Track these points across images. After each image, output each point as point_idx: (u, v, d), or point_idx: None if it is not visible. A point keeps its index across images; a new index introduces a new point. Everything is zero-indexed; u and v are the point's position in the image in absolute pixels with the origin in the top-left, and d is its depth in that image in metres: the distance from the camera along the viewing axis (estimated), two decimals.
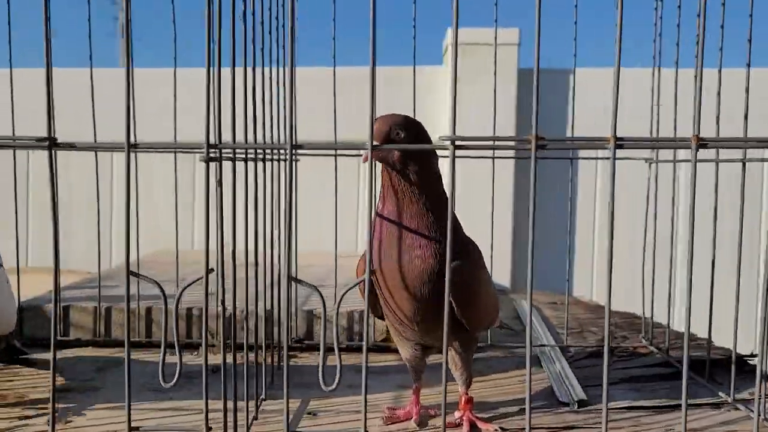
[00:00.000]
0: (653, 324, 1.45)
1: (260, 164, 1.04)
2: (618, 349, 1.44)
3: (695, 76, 0.82)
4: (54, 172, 0.70)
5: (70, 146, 0.70)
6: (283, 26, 1.16)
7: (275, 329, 1.24)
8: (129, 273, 0.69)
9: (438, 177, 0.96)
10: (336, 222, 1.44)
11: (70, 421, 1.03)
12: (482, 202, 1.37)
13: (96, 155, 1.41)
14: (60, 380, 1.20)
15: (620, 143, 0.74)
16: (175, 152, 1.31)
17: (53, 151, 0.68)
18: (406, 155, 0.92)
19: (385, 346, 1.39)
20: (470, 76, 2.24)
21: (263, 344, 1.12)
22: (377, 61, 0.71)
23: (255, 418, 1.02)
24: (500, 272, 2.37)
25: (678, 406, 1.07)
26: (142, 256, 1.51)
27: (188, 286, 0.75)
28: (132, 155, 0.69)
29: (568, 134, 2.22)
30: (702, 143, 0.71)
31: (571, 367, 1.29)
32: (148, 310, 1.46)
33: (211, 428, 0.79)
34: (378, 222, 0.95)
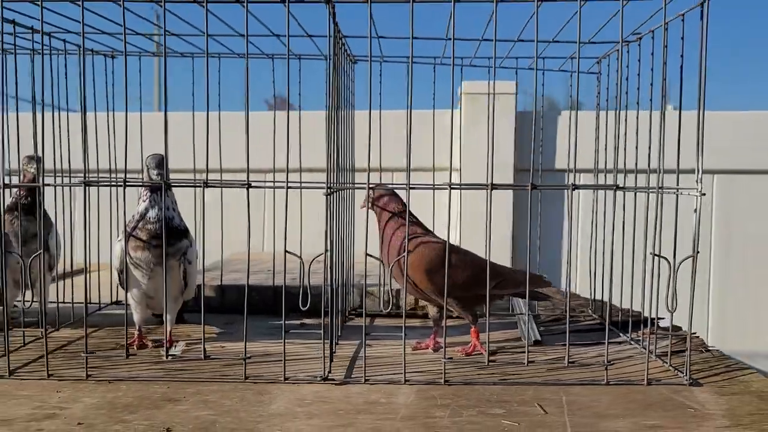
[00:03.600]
0: (601, 303, 2.09)
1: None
2: (571, 316, 2.08)
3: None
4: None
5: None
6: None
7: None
8: (286, 252, 1.35)
9: (400, 210, 1.63)
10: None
11: (224, 347, 1.71)
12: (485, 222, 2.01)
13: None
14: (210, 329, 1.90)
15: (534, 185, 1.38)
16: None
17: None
18: (375, 203, 1.65)
19: (412, 313, 2.06)
20: (480, 118, 2.95)
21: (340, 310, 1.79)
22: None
23: (337, 343, 1.70)
24: None
25: (594, 343, 1.72)
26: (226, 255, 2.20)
27: (315, 258, 1.41)
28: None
29: (558, 161, 2.92)
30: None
31: (537, 327, 1.94)
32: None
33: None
34: (386, 236, 1.64)
